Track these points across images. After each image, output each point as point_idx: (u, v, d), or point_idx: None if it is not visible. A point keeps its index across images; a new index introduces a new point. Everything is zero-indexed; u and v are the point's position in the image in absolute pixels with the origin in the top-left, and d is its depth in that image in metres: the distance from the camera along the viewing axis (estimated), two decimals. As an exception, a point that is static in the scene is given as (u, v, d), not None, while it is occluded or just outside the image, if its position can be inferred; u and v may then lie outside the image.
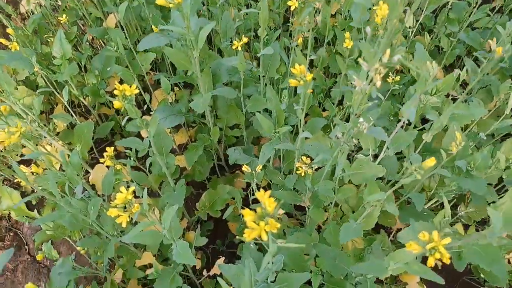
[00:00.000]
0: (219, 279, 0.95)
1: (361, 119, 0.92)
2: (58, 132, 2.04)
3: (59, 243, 2.07)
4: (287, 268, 1.40)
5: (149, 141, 1.25)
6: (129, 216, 0.96)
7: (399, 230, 2.15)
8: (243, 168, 1.32)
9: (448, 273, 1.49)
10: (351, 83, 1.73)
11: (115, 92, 0.98)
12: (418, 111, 1.56)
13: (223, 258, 1.76)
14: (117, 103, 0.98)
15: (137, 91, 0.99)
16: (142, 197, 1.07)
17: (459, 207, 1.76)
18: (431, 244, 0.82)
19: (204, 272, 1.77)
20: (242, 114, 1.74)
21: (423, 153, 1.71)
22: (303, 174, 1.24)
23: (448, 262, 0.75)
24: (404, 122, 1.32)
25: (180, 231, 1.32)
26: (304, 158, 1.23)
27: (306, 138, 1.38)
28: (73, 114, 1.97)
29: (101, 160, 1.37)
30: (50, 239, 1.67)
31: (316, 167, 1.24)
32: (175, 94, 2.18)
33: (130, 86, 0.99)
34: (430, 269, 0.94)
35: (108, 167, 1.40)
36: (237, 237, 0.68)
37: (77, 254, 1.88)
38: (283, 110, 1.35)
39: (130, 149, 1.48)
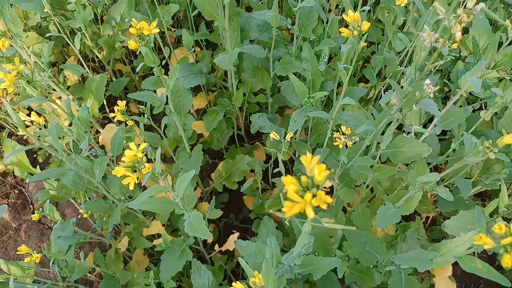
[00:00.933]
0: (241, 261, 0.81)
1: (427, 81, 0.75)
2: (69, 86, 1.90)
3: (64, 205, 1.97)
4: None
5: (167, 96, 1.10)
6: (137, 178, 0.81)
7: (427, 218, 2.00)
8: (271, 135, 1.16)
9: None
10: (394, 50, 1.54)
11: (131, 30, 0.82)
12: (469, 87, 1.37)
13: (237, 233, 1.63)
14: (132, 43, 0.82)
15: (157, 30, 0.83)
16: (154, 160, 0.93)
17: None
18: (508, 239, 0.66)
19: (216, 247, 1.64)
20: (269, 78, 1.57)
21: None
22: (340, 146, 1.08)
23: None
24: (461, 96, 1.14)
25: (194, 200, 1.19)
26: (344, 128, 1.06)
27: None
28: (86, 67, 1.82)
29: (112, 115, 1.22)
30: (54, 199, 1.56)
31: (357, 139, 1.07)
32: (196, 55, 2.01)
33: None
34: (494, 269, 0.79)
35: (119, 123, 1.26)
36: (271, 211, 0.53)
37: (82, 217, 1.77)
38: (321, 73, 1.17)
39: (145, 107, 1.33)
